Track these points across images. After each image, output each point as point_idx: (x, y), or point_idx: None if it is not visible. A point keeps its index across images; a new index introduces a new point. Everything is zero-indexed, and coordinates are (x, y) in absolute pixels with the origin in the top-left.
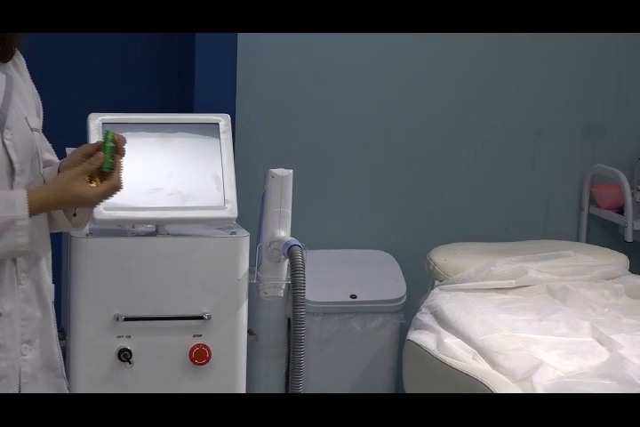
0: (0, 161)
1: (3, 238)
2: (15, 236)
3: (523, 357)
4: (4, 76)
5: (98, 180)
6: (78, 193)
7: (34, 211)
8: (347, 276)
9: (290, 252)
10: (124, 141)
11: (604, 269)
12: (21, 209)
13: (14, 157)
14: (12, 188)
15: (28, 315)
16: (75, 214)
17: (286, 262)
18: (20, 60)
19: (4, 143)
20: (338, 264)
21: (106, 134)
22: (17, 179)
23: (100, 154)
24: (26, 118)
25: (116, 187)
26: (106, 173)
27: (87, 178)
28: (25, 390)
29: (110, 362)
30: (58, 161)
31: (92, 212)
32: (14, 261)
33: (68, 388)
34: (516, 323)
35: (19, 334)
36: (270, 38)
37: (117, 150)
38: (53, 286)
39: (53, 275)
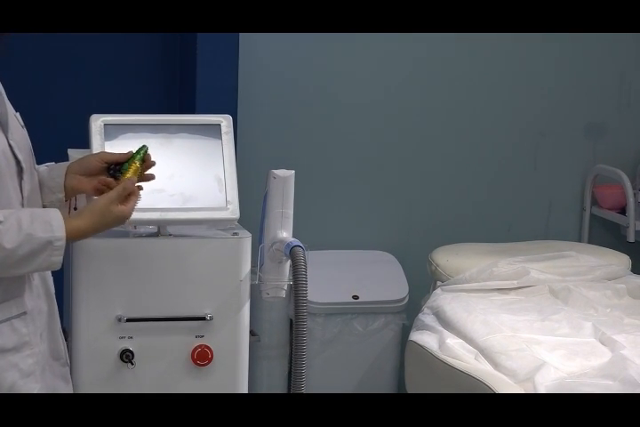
0: (10, 162)
1: (39, 258)
2: (51, 255)
3: (525, 357)
4: None
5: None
6: (119, 215)
7: (74, 238)
8: (349, 276)
9: (292, 252)
10: (153, 162)
11: (606, 269)
12: (59, 230)
13: (20, 157)
14: (21, 187)
15: (40, 309)
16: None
17: (288, 263)
18: None
19: (9, 144)
20: (340, 265)
21: (141, 148)
22: (24, 177)
23: (133, 178)
24: (15, 115)
25: (136, 193)
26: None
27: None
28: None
29: (112, 363)
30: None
31: None
32: None
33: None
34: (518, 323)
35: (39, 330)
36: (272, 39)
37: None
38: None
39: (55, 276)
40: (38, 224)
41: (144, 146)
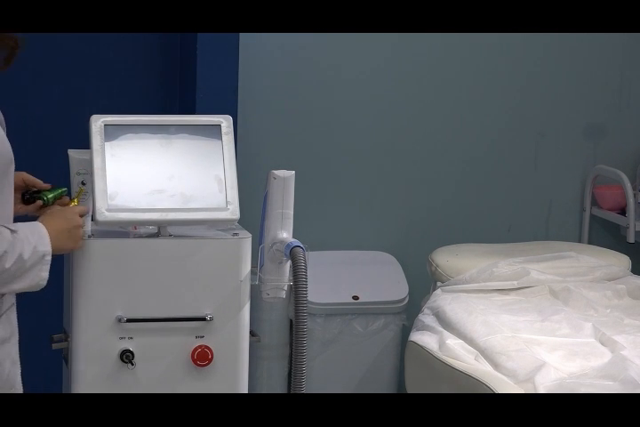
0: None
1: (32, 271)
2: (41, 270)
3: (525, 358)
4: None
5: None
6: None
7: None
8: (349, 277)
9: (292, 253)
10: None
11: (606, 270)
12: (48, 244)
13: None
14: None
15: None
16: None
17: (288, 264)
18: None
19: None
20: (340, 265)
21: (63, 190)
22: None
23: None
24: None
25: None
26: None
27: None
28: None
29: (112, 364)
30: None
31: None
32: None
33: None
34: (518, 324)
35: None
36: (272, 39)
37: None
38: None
39: (55, 276)
40: (35, 237)
41: (64, 190)
